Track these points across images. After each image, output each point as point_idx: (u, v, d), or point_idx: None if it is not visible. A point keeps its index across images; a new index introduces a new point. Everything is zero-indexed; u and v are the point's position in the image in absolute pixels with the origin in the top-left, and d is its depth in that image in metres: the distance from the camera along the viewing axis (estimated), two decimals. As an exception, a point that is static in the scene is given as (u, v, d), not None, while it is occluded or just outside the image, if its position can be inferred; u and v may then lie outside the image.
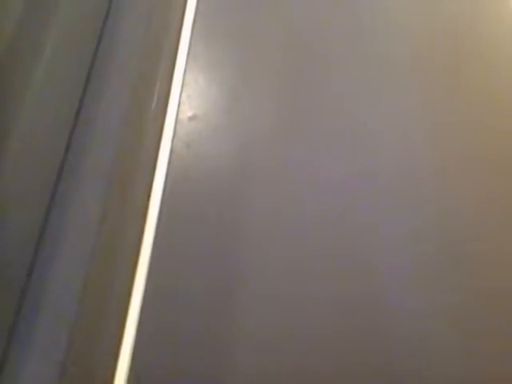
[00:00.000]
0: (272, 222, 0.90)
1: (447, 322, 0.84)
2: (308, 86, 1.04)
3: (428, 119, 1.02)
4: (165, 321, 0.82)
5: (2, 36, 0.77)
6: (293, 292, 0.85)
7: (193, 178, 0.92)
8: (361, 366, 0.81)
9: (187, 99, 0.99)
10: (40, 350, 0.72)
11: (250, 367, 0.80)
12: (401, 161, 0.97)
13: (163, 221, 0.88)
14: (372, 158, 0.97)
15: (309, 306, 0.84)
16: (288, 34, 1.09)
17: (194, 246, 0.87)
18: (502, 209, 0.94)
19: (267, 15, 1.11)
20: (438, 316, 0.84)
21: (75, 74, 0.90)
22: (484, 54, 1.11)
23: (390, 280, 0.87)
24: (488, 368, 0.81)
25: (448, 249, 0.90)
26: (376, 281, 0.87)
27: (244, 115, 0.99)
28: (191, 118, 0.97)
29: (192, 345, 0.80)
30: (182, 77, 1.01)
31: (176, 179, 0.92)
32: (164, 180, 0.91)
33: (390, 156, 0.97)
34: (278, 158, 0.95)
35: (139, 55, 0.94)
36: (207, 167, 0.94)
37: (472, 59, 1.10)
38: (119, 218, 0.86)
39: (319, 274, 0.87)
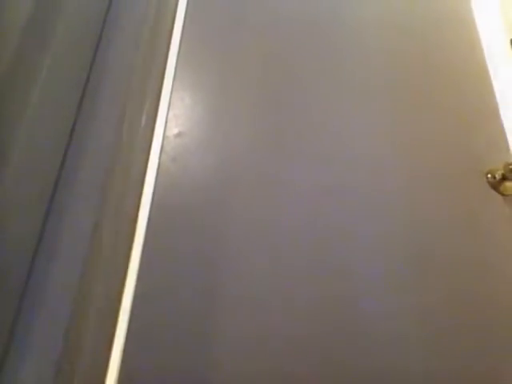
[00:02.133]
0: (253, 230, 0.98)
1: (417, 321, 0.93)
2: (285, 104, 1.12)
3: (398, 134, 1.11)
4: (153, 324, 0.89)
5: (2, 59, 0.84)
6: (272, 296, 0.93)
7: (179, 190, 1.00)
8: (337, 364, 0.89)
9: (173, 117, 1.07)
10: (37, 349, 0.79)
11: (233, 367, 0.87)
12: (373, 174, 1.06)
13: (152, 230, 0.95)
14: (346, 170, 1.06)
15: (288, 309, 0.92)
16: (267, 56, 1.18)
17: (180, 254, 0.94)
18: (464, 219, 1.03)
19: (248, 39, 1.20)
20: (409, 316, 0.93)
21: (70, 94, 0.97)
22: (451, 75, 1.21)
23: (364, 284, 0.95)
24: (453, 362, 0.91)
25: (416, 255, 0.99)
26: (351, 285, 0.95)
27: (226, 132, 1.07)
28: (177, 135, 1.04)
29: (178, 346, 0.87)
30: (168, 96, 1.08)
31: (163, 191, 0.99)
32: (152, 192, 0.98)
33: (362, 169, 1.06)
34: (258, 171, 1.03)
35: (129, 77, 1.00)
36: (192, 180, 1.01)
37: (440, 80, 1.19)
38: (111, 227, 0.93)
39: (298, 279, 0.95)
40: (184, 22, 1.17)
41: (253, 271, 0.95)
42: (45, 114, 0.90)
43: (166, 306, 0.90)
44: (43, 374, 0.78)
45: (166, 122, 1.06)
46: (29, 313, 0.81)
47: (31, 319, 0.81)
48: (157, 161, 1.02)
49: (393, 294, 0.95)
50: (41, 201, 0.88)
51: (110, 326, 0.88)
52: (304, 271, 0.95)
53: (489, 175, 1.06)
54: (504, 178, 1.04)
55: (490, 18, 1.25)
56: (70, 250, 0.87)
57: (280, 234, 0.98)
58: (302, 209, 1.01)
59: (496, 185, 1.05)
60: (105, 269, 0.91)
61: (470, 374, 0.91)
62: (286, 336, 0.90)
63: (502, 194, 1.05)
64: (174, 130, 1.05)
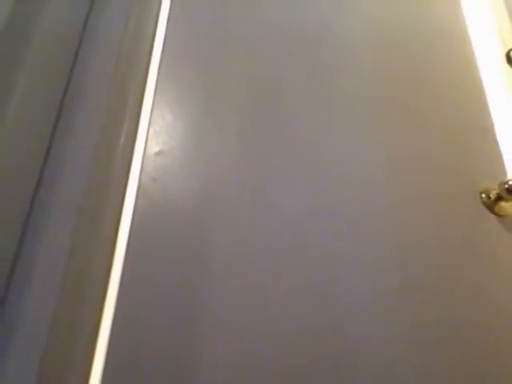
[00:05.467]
0: (236, 253, 0.97)
1: (405, 351, 0.92)
2: (271, 123, 1.11)
3: (388, 154, 1.10)
4: (133, 352, 0.87)
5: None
6: (255, 322, 0.92)
7: (159, 211, 0.98)
8: None
9: (154, 135, 1.05)
10: (11, 379, 0.79)
11: None
12: (361, 195, 1.05)
13: (131, 253, 0.94)
14: (333, 192, 1.04)
15: (271, 335, 0.91)
16: (252, 72, 1.17)
17: (161, 278, 0.93)
18: (457, 240, 1.02)
19: (232, 54, 1.18)
20: (397, 345, 0.92)
21: (45, 112, 0.97)
22: (445, 91, 1.20)
23: (351, 310, 0.94)
24: None
25: (406, 280, 0.98)
26: (337, 311, 0.94)
27: (209, 150, 1.05)
28: (158, 153, 1.03)
29: (158, 374, 0.86)
30: (149, 113, 1.07)
31: (143, 212, 0.98)
32: (132, 213, 0.97)
33: (351, 191, 1.05)
34: (243, 192, 1.02)
35: (107, 93, 1.00)
36: (174, 201, 1.00)
37: (433, 97, 1.19)
38: (88, 250, 0.92)
39: (282, 304, 0.94)
40: (165, 35, 1.16)
41: (236, 296, 0.94)
42: (19, 133, 0.90)
43: (146, 332, 0.89)
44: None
45: (147, 140, 1.04)
46: (3, 341, 0.81)
47: (5, 347, 0.81)
48: (137, 181, 1.00)
49: (381, 322, 0.94)
50: (16, 224, 0.88)
51: (87, 355, 0.87)
52: (289, 296, 0.94)
53: (483, 195, 1.05)
54: (499, 198, 1.02)
55: (485, 32, 1.24)
56: (45, 275, 0.87)
57: (264, 258, 0.97)
58: (287, 232, 1.00)
59: (491, 205, 1.04)
60: (82, 294, 0.90)
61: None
62: (269, 364, 0.89)
63: (497, 215, 1.04)
64: (154, 148, 1.04)
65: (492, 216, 1.04)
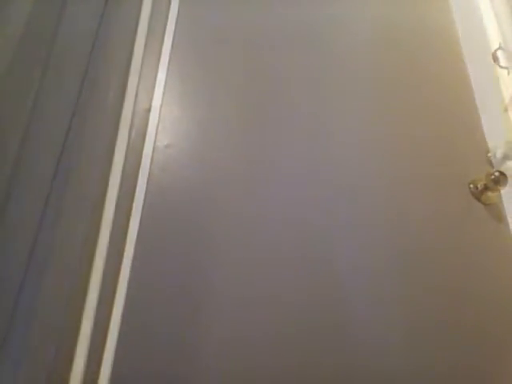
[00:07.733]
0: (240, 237, 1.04)
1: (403, 329, 0.98)
2: (272, 119, 1.19)
3: (383, 145, 1.18)
4: (144, 329, 0.93)
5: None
6: (258, 299, 0.98)
7: (168, 198, 1.06)
8: (322, 365, 0.93)
9: (163, 129, 1.13)
10: (30, 358, 0.84)
11: (218, 371, 0.92)
12: (358, 184, 1.12)
13: (142, 237, 1.01)
14: (332, 181, 1.12)
15: (274, 311, 0.97)
16: (254, 70, 1.25)
17: (169, 260, 1.00)
18: (448, 229, 1.09)
19: (235, 54, 1.27)
20: (392, 321, 0.98)
21: (62, 108, 1.03)
22: (436, 88, 1.27)
23: (349, 288, 1.01)
24: (437, 367, 0.95)
25: (400, 263, 1.04)
26: (336, 288, 1.00)
27: (213, 143, 1.13)
28: (167, 146, 1.11)
29: (168, 350, 0.92)
30: (158, 109, 1.15)
31: (153, 200, 1.05)
32: (143, 201, 1.04)
33: (348, 181, 1.13)
34: (245, 180, 1.10)
35: (119, 90, 1.06)
36: (181, 189, 1.07)
37: (425, 93, 1.26)
38: (102, 237, 0.99)
39: (283, 282, 1.00)
40: (174, 36, 1.24)
41: (239, 277, 1.00)
42: (38, 128, 0.95)
43: (157, 311, 0.95)
44: (36, 380, 0.83)
45: (156, 134, 1.12)
46: (22, 322, 0.85)
47: (24, 328, 0.85)
48: (147, 171, 1.08)
49: (378, 301, 1.00)
50: (34, 213, 0.93)
51: (101, 332, 0.93)
52: (291, 275, 1.01)
53: (471, 185, 1.11)
54: (486, 188, 1.09)
55: (473, 32, 1.30)
56: (62, 261, 0.93)
57: (267, 242, 1.04)
58: (288, 219, 1.07)
59: (478, 194, 1.10)
60: (96, 277, 0.96)
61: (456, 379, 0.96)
62: (272, 338, 0.95)
63: (484, 204, 1.10)
64: (163, 141, 1.12)
65: (479, 205, 1.10)
